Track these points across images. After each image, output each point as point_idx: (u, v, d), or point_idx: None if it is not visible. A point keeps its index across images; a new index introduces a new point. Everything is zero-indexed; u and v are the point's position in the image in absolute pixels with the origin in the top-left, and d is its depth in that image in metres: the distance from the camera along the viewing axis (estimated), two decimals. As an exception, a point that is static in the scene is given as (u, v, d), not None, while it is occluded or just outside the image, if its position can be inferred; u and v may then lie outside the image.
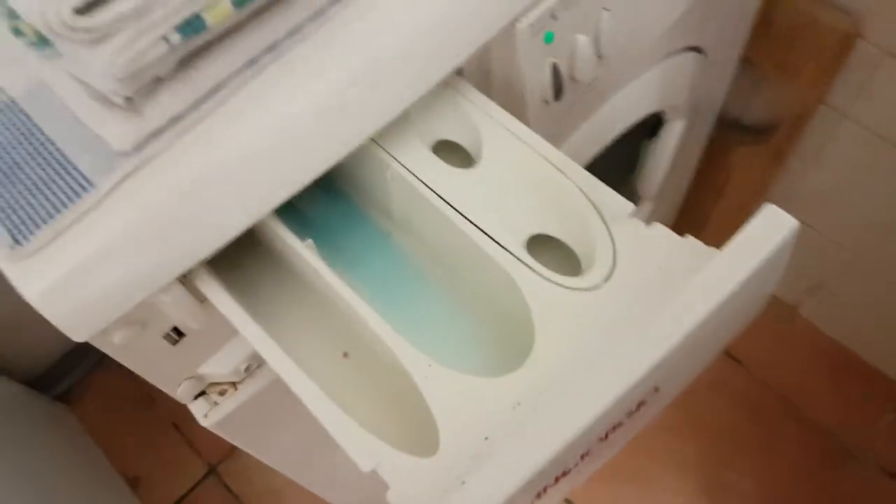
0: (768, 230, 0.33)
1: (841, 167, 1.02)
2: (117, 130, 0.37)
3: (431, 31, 0.40)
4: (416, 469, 0.32)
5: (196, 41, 0.35)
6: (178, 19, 0.34)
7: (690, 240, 0.37)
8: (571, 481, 0.34)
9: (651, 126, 0.89)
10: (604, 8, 0.49)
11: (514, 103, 0.49)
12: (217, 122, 0.38)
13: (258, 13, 0.38)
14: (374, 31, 0.39)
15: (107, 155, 0.37)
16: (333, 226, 0.49)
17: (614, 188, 1.12)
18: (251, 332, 0.38)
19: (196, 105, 0.38)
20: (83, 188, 0.36)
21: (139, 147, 0.37)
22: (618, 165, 1.00)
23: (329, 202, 0.50)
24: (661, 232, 0.38)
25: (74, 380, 1.33)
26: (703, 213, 1.24)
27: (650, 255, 0.37)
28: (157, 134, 0.37)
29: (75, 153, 0.38)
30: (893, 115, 0.89)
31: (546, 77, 0.48)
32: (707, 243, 0.32)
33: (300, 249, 0.41)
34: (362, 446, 0.33)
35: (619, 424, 0.33)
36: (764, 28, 0.90)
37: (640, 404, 0.34)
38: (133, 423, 1.29)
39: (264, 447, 0.56)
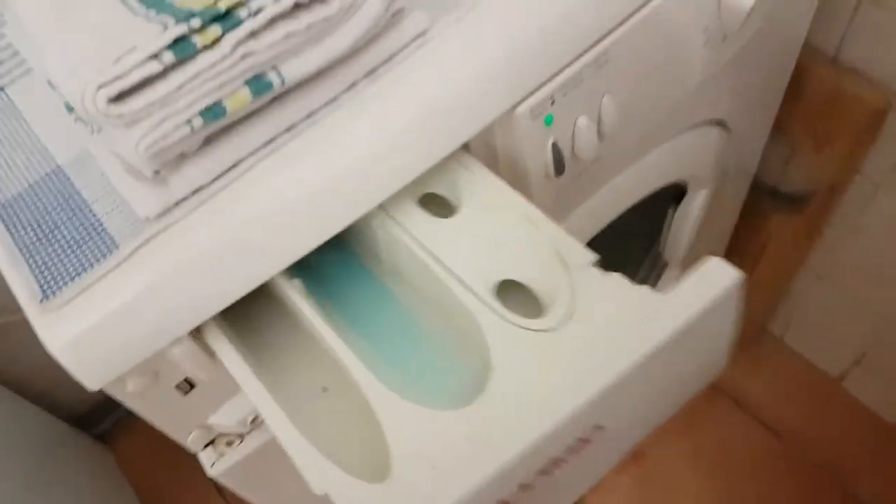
0: (709, 281, 0.36)
1: (879, 236, 1.00)
2: (144, 199, 0.41)
3: (433, 116, 0.44)
4: (365, 494, 0.35)
5: (217, 125, 0.39)
6: (200, 106, 0.38)
7: (643, 288, 0.40)
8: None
9: (676, 193, 0.90)
10: (606, 92, 0.51)
11: (518, 176, 0.52)
12: (235, 191, 0.42)
13: (278, 98, 0.42)
14: (381, 115, 0.43)
15: (134, 220, 0.42)
16: (336, 277, 0.53)
17: (640, 253, 1.09)
18: (250, 386, 0.41)
19: (218, 177, 0.42)
20: (109, 250, 0.40)
21: (162, 214, 0.41)
22: (643, 230, 1.01)
23: (334, 254, 0.54)
24: (618, 281, 0.41)
25: (114, 420, 1.38)
26: (739, 278, 1.22)
27: (605, 302, 0.40)
28: (180, 203, 0.41)
29: (107, 217, 0.43)
30: (927, 187, 0.88)
31: (547, 155, 0.51)
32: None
33: (286, 289, 0.45)
34: (317, 470, 0.36)
35: (561, 460, 0.35)
36: (794, 100, 0.91)
37: (584, 441, 0.36)
38: (166, 466, 1.31)
39: (269, 498, 0.58)
